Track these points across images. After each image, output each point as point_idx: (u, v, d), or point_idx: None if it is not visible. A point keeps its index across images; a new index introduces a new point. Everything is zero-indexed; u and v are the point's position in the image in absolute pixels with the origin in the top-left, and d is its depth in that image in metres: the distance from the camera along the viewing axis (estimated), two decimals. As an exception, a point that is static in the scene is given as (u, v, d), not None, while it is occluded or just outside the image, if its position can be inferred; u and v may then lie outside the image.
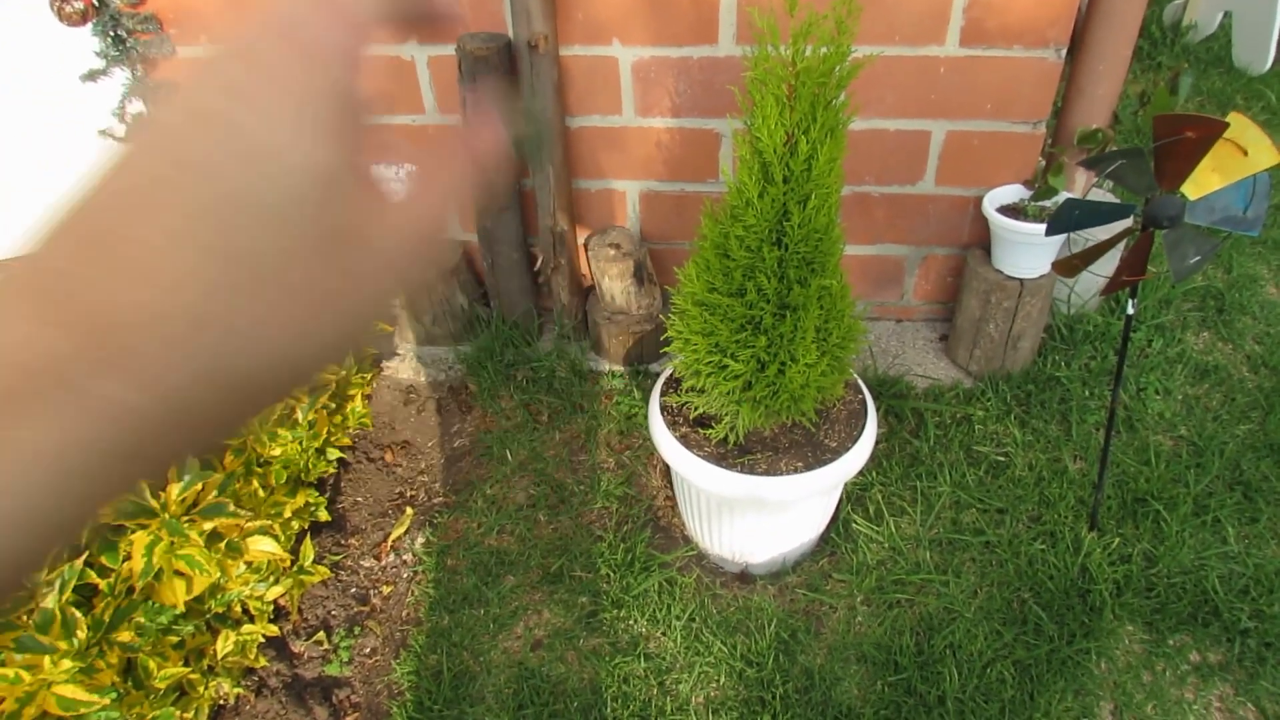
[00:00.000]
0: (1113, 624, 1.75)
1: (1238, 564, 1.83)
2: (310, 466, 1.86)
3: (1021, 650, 1.71)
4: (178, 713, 1.40)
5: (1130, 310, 1.56)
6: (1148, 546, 1.87)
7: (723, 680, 1.71)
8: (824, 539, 1.96)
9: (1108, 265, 2.13)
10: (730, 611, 1.83)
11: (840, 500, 1.98)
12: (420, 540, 2.02)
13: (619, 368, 2.40)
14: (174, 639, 1.46)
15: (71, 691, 1.21)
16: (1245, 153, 1.26)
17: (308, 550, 1.81)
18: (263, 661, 1.73)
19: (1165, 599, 1.78)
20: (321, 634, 1.83)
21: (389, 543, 2.02)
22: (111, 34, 2.08)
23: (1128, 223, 1.48)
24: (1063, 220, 1.45)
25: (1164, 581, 1.80)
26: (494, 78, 2.06)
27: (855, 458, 1.67)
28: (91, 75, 2.17)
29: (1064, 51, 1.98)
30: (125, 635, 1.34)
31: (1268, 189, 1.30)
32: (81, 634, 1.27)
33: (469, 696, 1.72)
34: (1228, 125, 1.22)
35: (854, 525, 1.95)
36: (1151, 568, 1.83)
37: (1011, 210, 2.09)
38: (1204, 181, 1.32)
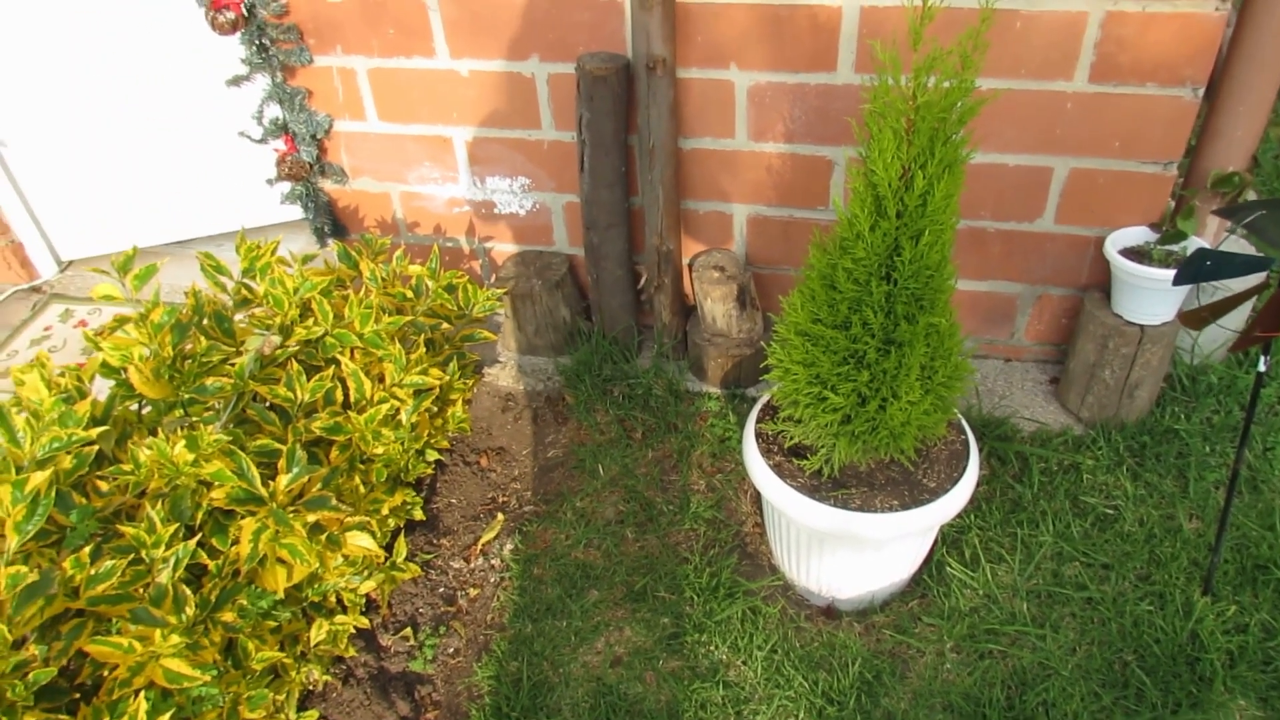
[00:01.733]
0: (1224, 697, 1.65)
1: (1367, 645, 1.71)
2: (410, 467, 1.91)
3: (1121, 716, 1.63)
4: (271, 694, 1.45)
5: (1262, 368, 1.47)
6: (1266, 617, 1.76)
7: (801, 715, 1.68)
8: (915, 580, 1.91)
9: (1237, 318, 2.02)
10: (814, 646, 1.80)
11: (935, 542, 1.92)
12: (509, 546, 2.05)
13: (716, 390, 2.39)
14: (272, 624, 1.52)
15: (177, 665, 1.27)
16: (1401, 209, 1.18)
17: (401, 547, 1.86)
18: (352, 652, 1.78)
19: (1283, 675, 1.67)
20: (409, 630, 1.88)
21: (479, 546, 2.06)
22: (257, 43, 2.20)
23: (1263, 277, 1.40)
24: (1193, 270, 1.39)
25: (1283, 656, 1.69)
26: (611, 96, 2.09)
27: (954, 500, 1.62)
28: (235, 80, 2.30)
29: (1201, 91, 1.90)
30: (228, 616, 1.40)
31: None
32: (190, 610, 1.33)
33: (546, 707, 1.73)
34: (1383, 180, 1.14)
35: (948, 569, 1.90)
36: (1270, 640, 1.72)
37: (1135, 253, 2.00)
38: (1352, 237, 1.24)
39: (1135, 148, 2.00)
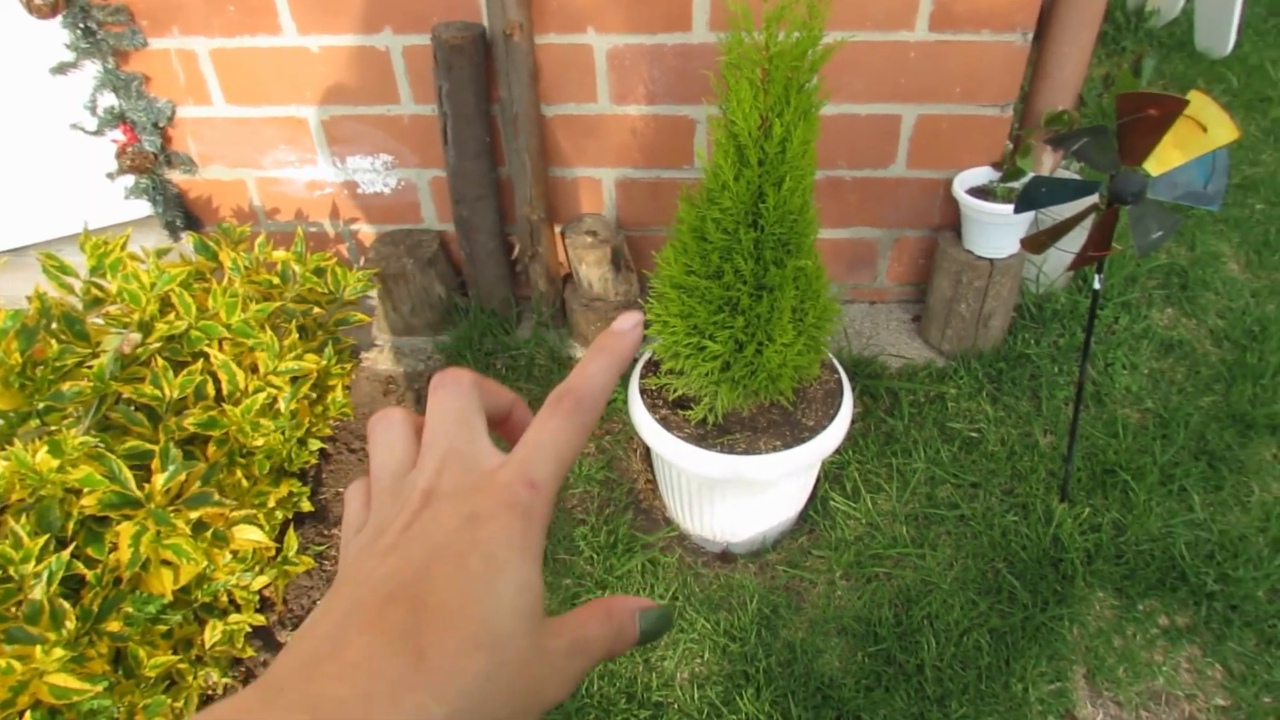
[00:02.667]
0: (1084, 591, 1.80)
1: (1203, 530, 1.89)
2: (293, 456, 1.86)
3: (997, 619, 1.76)
4: (168, 701, 1.41)
5: (1097, 285, 1.60)
6: (1117, 516, 1.92)
7: (707, 656, 1.74)
8: (803, 517, 1.99)
9: (1075, 244, 2.17)
10: (713, 589, 1.86)
11: (818, 479, 2.01)
12: (404, 528, 2.03)
13: (597, 354, 2.42)
14: (163, 628, 1.47)
15: (63, 680, 1.22)
16: (1205, 129, 1.30)
17: (292, 541, 1.82)
18: (250, 651, 1.73)
19: (1134, 566, 1.83)
20: (308, 622, 1.84)
21: (373, 531, 2.03)
22: (81, 26, 2.07)
23: (1093, 200, 1.52)
24: (1029, 198, 1.49)
25: (1133, 549, 1.86)
26: (469, 66, 2.07)
27: (832, 435, 1.70)
28: (61, 68, 2.16)
29: (1030, 36, 2.02)
30: (114, 625, 1.35)
31: (1227, 165, 1.34)
32: (70, 624, 1.28)
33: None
34: (1188, 103, 1.26)
35: (832, 503, 1.99)
36: (1120, 536, 1.88)
37: (981, 192, 2.13)
38: (1166, 158, 1.36)
39: (975, 92, 2.11)
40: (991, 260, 2.15)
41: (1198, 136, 1.32)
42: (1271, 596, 1.78)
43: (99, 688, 1.23)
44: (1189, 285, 2.53)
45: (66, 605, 1.29)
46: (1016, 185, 2.12)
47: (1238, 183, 2.99)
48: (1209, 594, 1.78)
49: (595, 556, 1.91)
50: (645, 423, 1.74)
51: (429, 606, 0.30)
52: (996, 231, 2.10)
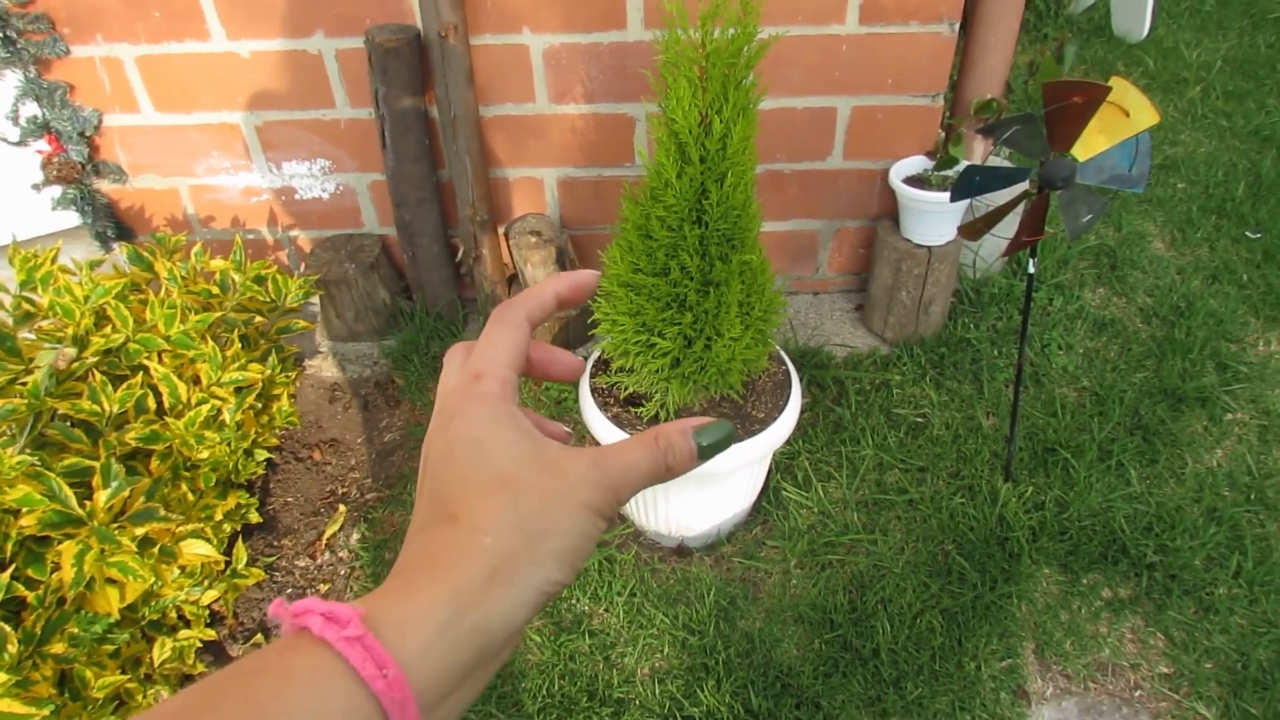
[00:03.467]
0: (1030, 568, 1.85)
1: (1141, 504, 1.95)
2: (239, 468, 1.83)
3: (948, 599, 1.80)
4: (118, 723, 1.38)
5: (1031, 269, 1.64)
6: (1059, 493, 1.98)
7: (666, 650, 1.75)
8: (756, 508, 2.01)
9: (1009, 229, 2.23)
10: (670, 584, 1.87)
11: (770, 470, 2.04)
12: (355, 536, 2.01)
13: (546, 354, 2.41)
14: (110, 647, 1.44)
15: (6, 705, 1.18)
16: (1127, 114, 1.35)
17: (240, 553, 1.79)
18: (201, 667, 1.70)
19: (1077, 541, 1.89)
20: (259, 636, 1.81)
21: (323, 541, 2.01)
22: (0, 34, 2.00)
23: (1025, 186, 1.56)
24: (964, 186, 1.53)
25: (1075, 525, 1.91)
26: (405, 69, 2.05)
27: (782, 426, 1.73)
28: (-22, 79, 2.09)
29: (957, 26, 2.07)
30: (58, 647, 1.31)
31: (1149, 148, 1.39)
32: (12, 648, 1.24)
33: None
34: (1110, 89, 1.30)
35: (784, 493, 2.02)
36: (1063, 512, 1.94)
37: (916, 181, 2.17)
38: (1092, 143, 1.40)
39: (906, 83, 2.16)
40: (929, 248, 2.19)
41: (1121, 121, 1.37)
42: (1208, 565, 1.85)
43: (44, 712, 1.20)
44: (1118, 265, 2.62)
45: (7, 628, 1.26)
46: (950, 173, 2.16)
47: (1159, 163, 3.09)
48: (1149, 565, 1.84)
49: (551, 556, 1.90)
50: (597, 421, 1.74)
51: (444, 490, 0.39)
52: (933, 219, 2.15)
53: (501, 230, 2.41)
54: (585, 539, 0.38)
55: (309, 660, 0.31)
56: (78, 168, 2.26)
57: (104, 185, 2.37)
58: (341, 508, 2.08)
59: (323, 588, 1.92)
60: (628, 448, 0.41)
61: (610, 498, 0.40)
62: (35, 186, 2.26)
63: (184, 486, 1.61)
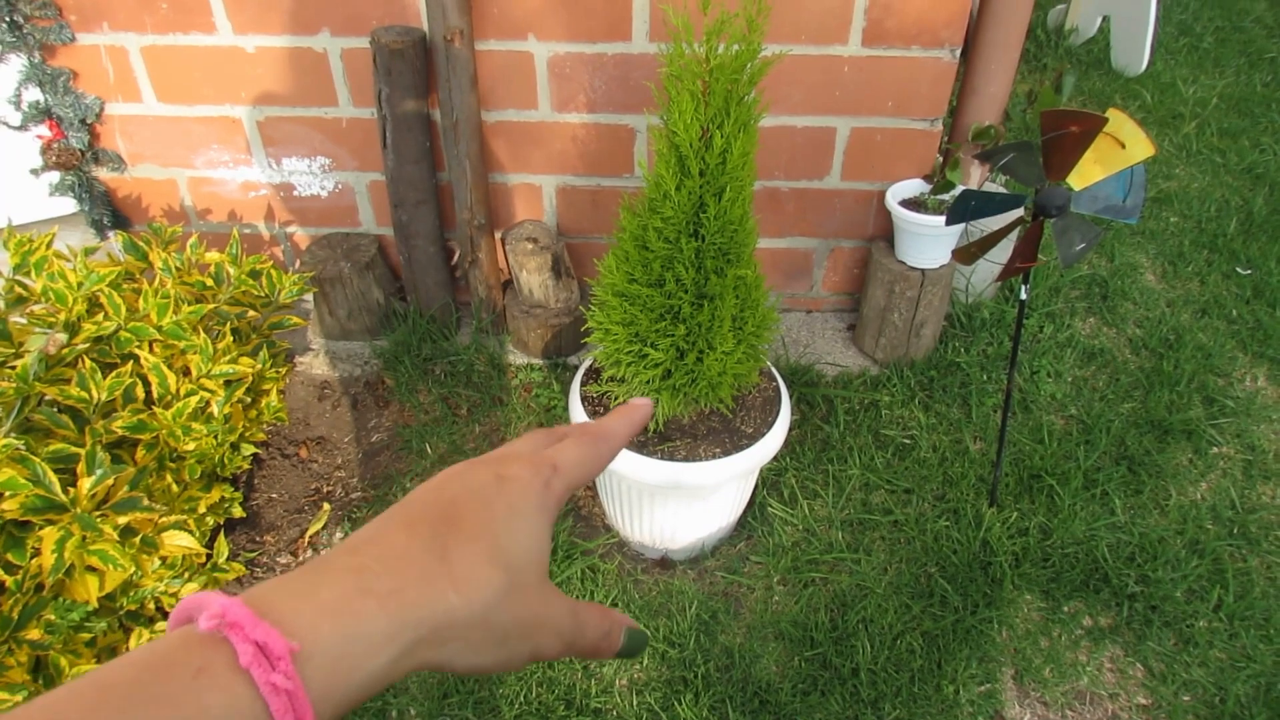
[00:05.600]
0: (1012, 594, 1.85)
1: (1124, 533, 1.96)
2: (225, 461, 1.82)
3: (929, 622, 1.80)
4: (93, 714, 1.36)
5: (1024, 295, 1.65)
6: (1043, 520, 1.98)
7: (646, 662, 1.75)
8: (741, 523, 2.01)
9: (1003, 255, 2.24)
10: (652, 596, 1.87)
11: (756, 485, 2.04)
12: (339, 535, 2.01)
13: (538, 361, 2.42)
14: (86, 636, 1.43)
15: (-20, 693, 1.18)
16: (1123, 146, 1.36)
17: (222, 547, 1.78)
18: (179, 662, 1.69)
19: (1060, 568, 1.89)
20: (239, 633, 1.80)
21: (306, 539, 2.00)
22: (7, 19, 2.00)
23: (1020, 213, 1.58)
24: (960, 210, 1.54)
25: (1058, 552, 1.92)
26: (409, 70, 2.06)
27: (771, 442, 1.73)
28: (-18, 62, 2.09)
29: (958, 52, 2.09)
30: (34, 633, 1.30)
31: (1144, 180, 1.40)
32: (-11, 635, 1.23)
33: (392, 687, 1.72)
34: (1107, 120, 1.31)
35: (769, 509, 2.02)
36: (1047, 539, 1.95)
37: (913, 204, 2.19)
38: (1087, 173, 1.42)
39: (906, 106, 2.17)
40: (923, 270, 2.20)
41: (1117, 152, 1.38)
42: (1189, 597, 1.86)
43: (18, 698, 1.19)
44: (1109, 295, 2.63)
45: (-16, 616, 1.25)
46: (946, 197, 2.18)
47: (1153, 196, 3.12)
48: (1130, 595, 1.85)
49: (534, 563, 1.90)
50: (586, 429, 1.74)
51: (457, 524, 0.37)
52: (928, 242, 2.16)
53: (498, 236, 2.41)
54: (513, 663, 0.39)
55: (224, 699, 0.29)
56: (77, 154, 2.25)
57: (102, 173, 2.36)
58: (326, 506, 2.07)
59: (303, 586, 1.91)
60: (592, 615, 0.43)
61: (555, 644, 0.41)
62: (34, 171, 2.26)
63: (169, 477, 1.60)
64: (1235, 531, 1.99)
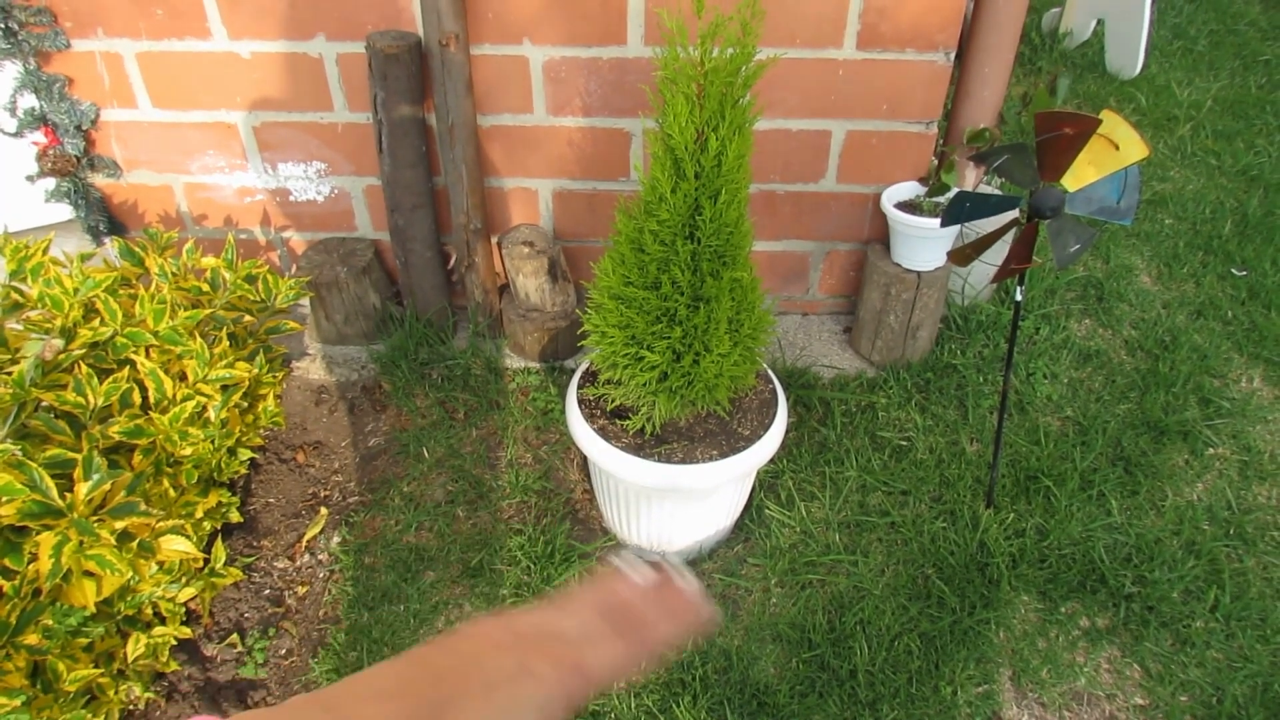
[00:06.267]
0: (1010, 595, 1.85)
1: (1121, 534, 1.96)
2: (222, 466, 1.82)
3: (926, 623, 1.80)
4: (88, 716, 1.36)
5: (1019, 297, 1.66)
6: (1040, 521, 1.98)
7: (643, 664, 1.74)
8: (738, 526, 2.02)
9: (999, 257, 2.25)
10: (649, 598, 1.87)
11: (753, 488, 2.04)
12: (336, 540, 2.01)
13: (535, 364, 2.42)
14: (84, 641, 1.43)
15: (-22, 698, 1.17)
16: (1117, 147, 1.37)
17: (219, 552, 1.78)
18: (174, 665, 1.69)
19: (1057, 569, 1.90)
20: (235, 636, 1.80)
21: (303, 543, 2.00)
22: (2, 26, 2.00)
23: (1014, 214, 1.58)
24: (955, 212, 1.54)
25: (1055, 553, 1.92)
26: (405, 75, 2.06)
27: (768, 444, 1.73)
28: (-22, 69, 2.09)
29: (953, 55, 2.09)
30: (32, 638, 1.30)
31: (1138, 181, 1.41)
32: (-14, 639, 1.23)
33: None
34: (1101, 121, 1.32)
35: (767, 511, 2.02)
36: (1043, 540, 1.95)
37: (908, 206, 2.19)
38: (1082, 174, 1.42)
39: (901, 109, 2.18)
40: (919, 273, 2.21)
41: (1111, 154, 1.39)
42: (1186, 597, 1.86)
43: (16, 702, 1.19)
44: (1105, 297, 2.64)
45: (-19, 621, 1.25)
46: (942, 200, 2.18)
47: (1148, 199, 3.12)
48: (1127, 596, 1.85)
49: (532, 566, 1.90)
50: (583, 432, 1.74)
51: (451, 708, 0.37)
52: (923, 245, 2.17)
53: (495, 240, 2.42)
54: None
55: None
56: (73, 161, 2.25)
57: (98, 179, 2.36)
58: (323, 510, 2.07)
59: (301, 590, 1.91)
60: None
61: None
62: (30, 178, 2.26)
63: (166, 482, 1.60)
64: (1231, 532, 1.99)
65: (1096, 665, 1.76)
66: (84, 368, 1.52)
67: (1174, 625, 1.81)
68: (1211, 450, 2.19)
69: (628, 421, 1.73)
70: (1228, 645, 1.78)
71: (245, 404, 1.89)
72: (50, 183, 2.28)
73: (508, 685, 0.39)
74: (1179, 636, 1.80)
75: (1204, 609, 1.84)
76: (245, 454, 1.91)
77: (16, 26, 2.03)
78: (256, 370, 1.84)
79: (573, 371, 2.30)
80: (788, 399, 1.99)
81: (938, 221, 2.06)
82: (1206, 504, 2.05)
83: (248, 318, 1.95)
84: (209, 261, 1.92)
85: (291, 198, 2.41)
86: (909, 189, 2.26)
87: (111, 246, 1.92)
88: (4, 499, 1.29)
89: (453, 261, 2.41)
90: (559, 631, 0.44)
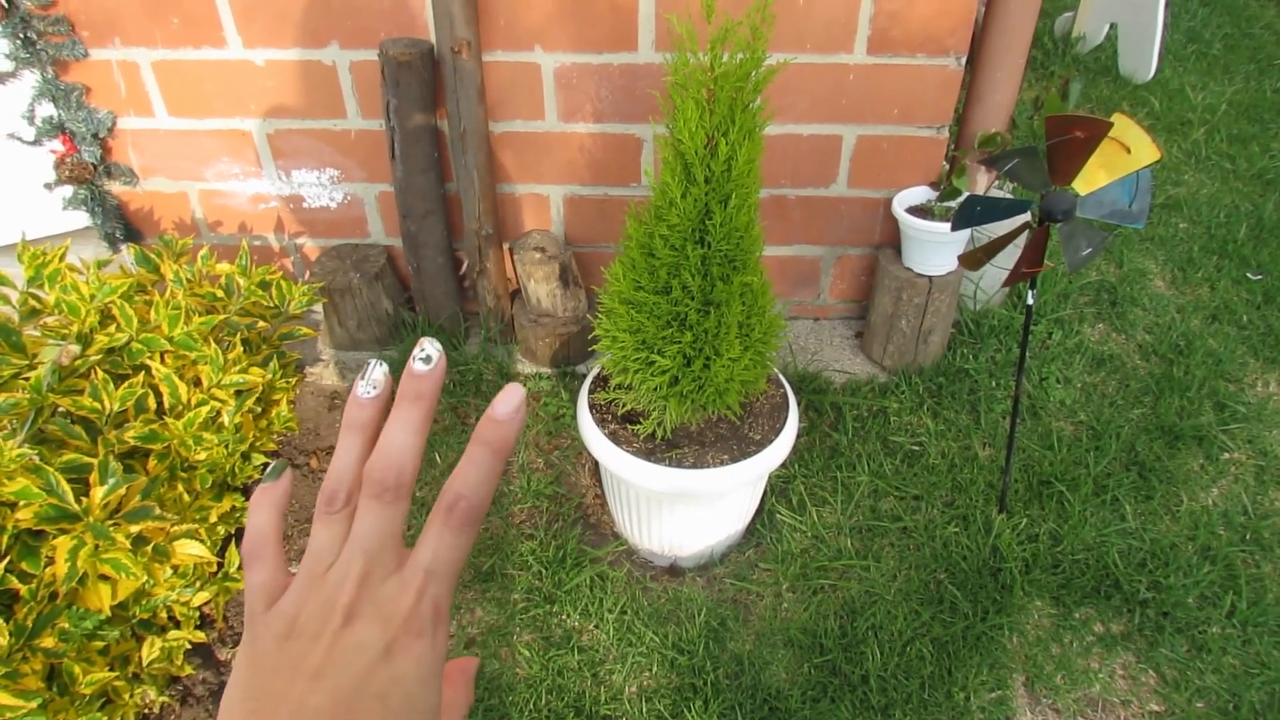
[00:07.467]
0: (1023, 600, 1.85)
1: (1135, 539, 1.95)
2: (236, 471, 1.83)
3: (939, 628, 1.80)
4: (104, 719, 1.38)
5: (1030, 301, 1.65)
6: (1053, 526, 1.98)
7: (655, 669, 1.75)
8: (750, 530, 2.01)
9: (1011, 261, 2.24)
10: (661, 603, 1.87)
11: (765, 492, 2.04)
12: (350, 545, 2.01)
13: (546, 370, 2.43)
14: (99, 644, 1.44)
15: (-4, 699, 1.19)
16: (1129, 151, 1.36)
17: (233, 556, 1.79)
18: (189, 669, 1.70)
19: (1070, 574, 1.89)
20: (250, 642, 1.81)
21: (317, 549, 2.00)
22: (21, 36, 2.03)
23: (1026, 218, 1.58)
24: (965, 216, 1.54)
25: (1069, 558, 1.91)
26: (418, 82, 2.07)
27: (779, 449, 1.73)
28: (-2, 78, 2.11)
29: (964, 60, 2.09)
30: (49, 641, 1.31)
31: (1150, 184, 1.41)
32: (3, 640, 1.24)
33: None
34: (1112, 124, 1.32)
35: (778, 516, 2.02)
36: (1057, 546, 1.94)
37: (919, 211, 2.19)
38: (1093, 178, 1.42)
39: (912, 114, 2.18)
40: (930, 277, 2.20)
41: (1122, 157, 1.38)
42: (1201, 603, 1.85)
43: (32, 705, 1.20)
44: (1118, 301, 2.63)
45: (0, 621, 1.26)
46: (953, 204, 2.18)
47: (1162, 203, 3.11)
48: (1142, 601, 1.84)
49: (544, 571, 1.91)
50: (594, 437, 1.75)
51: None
52: (935, 249, 2.16)
53: (506, 245, 2.43)
54: None
55: None
56: (90, 169, 2.28)
57: (115, 187, 2.39)
58: (336, 515, 2.07)
59: (314, 595, 1.92)
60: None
61: None
62: (47, 186, 2.29)
63: (180, 487, 1.61)
64: (1247, 537, 1.97)
65: (1111, 671, 1.75)
66: (100, 373, 1.54)
67: (1189, 631, 1.80)
68: (1227, 455, 2.18)
69: (639, 426, 1.74)
70: (1244, 651, 1.76)
71: (259, 409, 1.90)
72: (67, 190, 2.31)
73: (389, 681, 0.38)
74: (1194, 643, 1.78)
75: (1220, 615, 1.82)
76: (259, 459, 1.92)
77: (35, 36, 2.06)
78: (270, 376, 1.85)
79: (584, 377, 2.31)
80: (799, 404, 1.99)
81: (949, 226, 2.06)
82: (1222, 509, 2.04)
83: (261, 323, 1.96)
84: (223, 268, 1.94)
85: (305, 204, 2.43)
86: (920, 193, 2.26)
87: (127, 253, 1.94)
88: (21, 503, 1.30)
89: (465, 267, 2.42)
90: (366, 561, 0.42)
